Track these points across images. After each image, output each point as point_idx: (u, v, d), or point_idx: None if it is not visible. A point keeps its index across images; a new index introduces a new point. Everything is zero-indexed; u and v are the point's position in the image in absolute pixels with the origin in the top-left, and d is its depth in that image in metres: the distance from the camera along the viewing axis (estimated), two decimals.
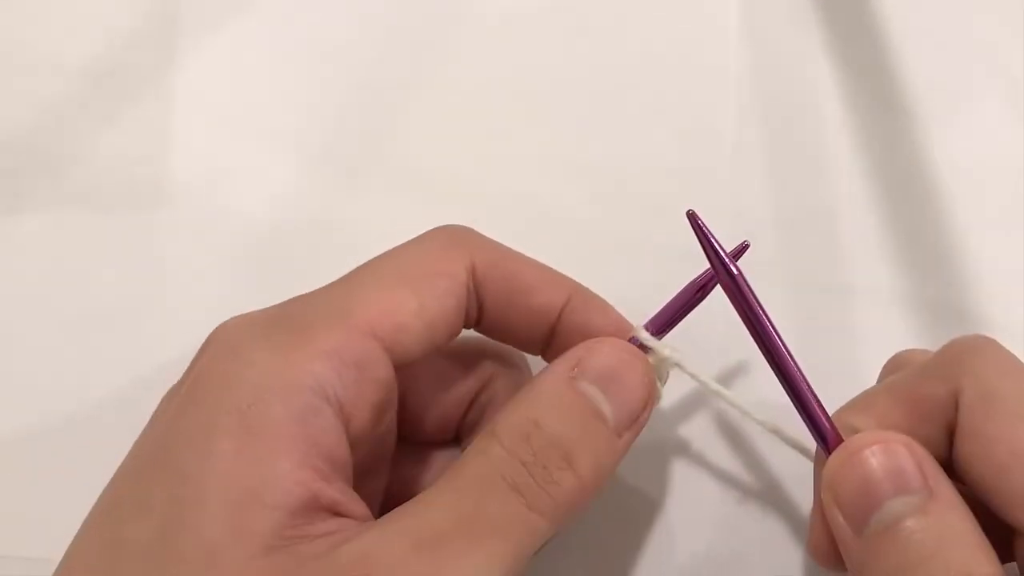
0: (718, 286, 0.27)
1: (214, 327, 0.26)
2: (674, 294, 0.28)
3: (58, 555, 0.24)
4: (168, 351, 0.33)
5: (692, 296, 0.28)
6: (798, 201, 0.35)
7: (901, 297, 0.34)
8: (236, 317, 0.26)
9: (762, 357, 0.27)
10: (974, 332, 0.27)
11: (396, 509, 0.23)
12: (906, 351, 0.30)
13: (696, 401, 0.33)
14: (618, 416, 0.25)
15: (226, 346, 0.24)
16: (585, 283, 0.29)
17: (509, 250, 0.28)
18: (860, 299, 0.34)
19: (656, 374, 0.28)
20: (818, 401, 0.26)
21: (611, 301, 0.29)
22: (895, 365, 0.30)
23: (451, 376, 0.29)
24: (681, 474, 0.33)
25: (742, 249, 0.28)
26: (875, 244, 0.34)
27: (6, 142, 0.35)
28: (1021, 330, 0.33)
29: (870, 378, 0.30)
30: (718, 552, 0.32)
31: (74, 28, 0.36)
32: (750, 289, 0.26)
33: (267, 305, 0.28)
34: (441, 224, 0.28)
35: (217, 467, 0.22)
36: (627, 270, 0.34)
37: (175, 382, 0.26)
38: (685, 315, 0.28)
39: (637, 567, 0.32)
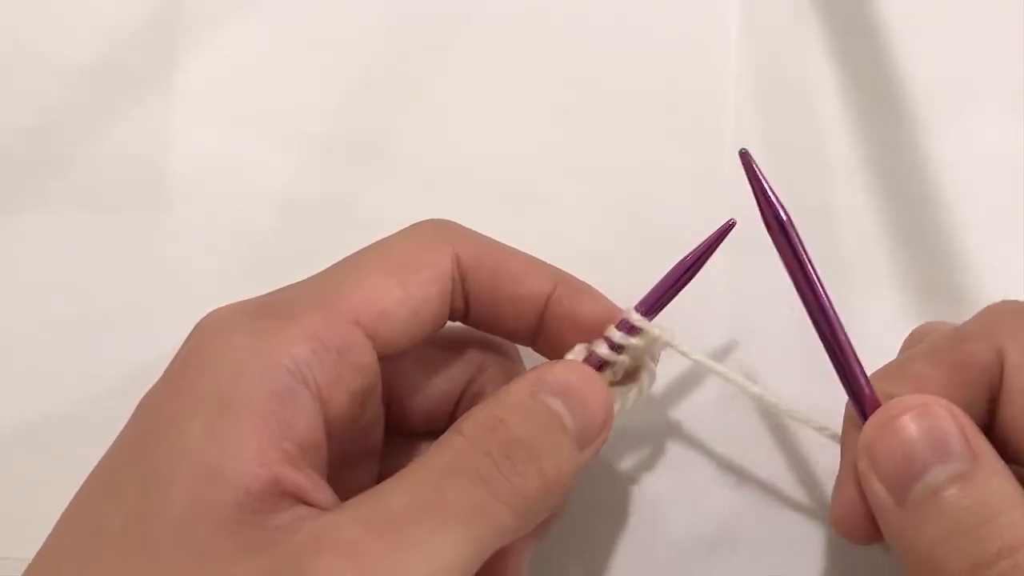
0: (704, 267, 0.28)
1: None
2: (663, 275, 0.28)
3: None
4: (168, 351, 0.33)
5: (681, 276, 0.28)
6: (798, 201, 0.35)
7: (901, 295, 0.34)
8: (222, 307, 0.26)
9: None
10: None
11: (356, 497, 0.23)
12: (929, 323, 0.29)
13: (690, 384, 0.33)
14: (579, 430, 0.25)
15: (208, 333, 0.25)
16: (585, 281, 0.29)
17: (494, 241, 0.28)
18: (859, 297, 0.34)
19: (649, 355, 0.28)
20: (858, 360, 0.25)
21: (611, 300, 0.29)
22: (917, 337, 0.29)
23: (440, 367, 0.29)
24: (675, 456, 0.33)
25: (728, 228, 0.28)
26: (875, 243, 0.34)
27: (6, 142, 0.35)
28: None
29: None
30: (713, 534, 0.32)
31: (74, 28, 0.36)
32: (798, 237, 0.26)
33: None
34: (439, 214, 0.28)
35: (187, 447, 0.22)
36: (627, 269, 0.34)
37: None
38: (675, 295, 0.28)
39: (630, 549, 0.32)
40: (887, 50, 0.36)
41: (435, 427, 0.30)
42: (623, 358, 0.27)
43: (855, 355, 0.25)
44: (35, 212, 0.35)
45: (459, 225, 0.28)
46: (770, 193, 0.26)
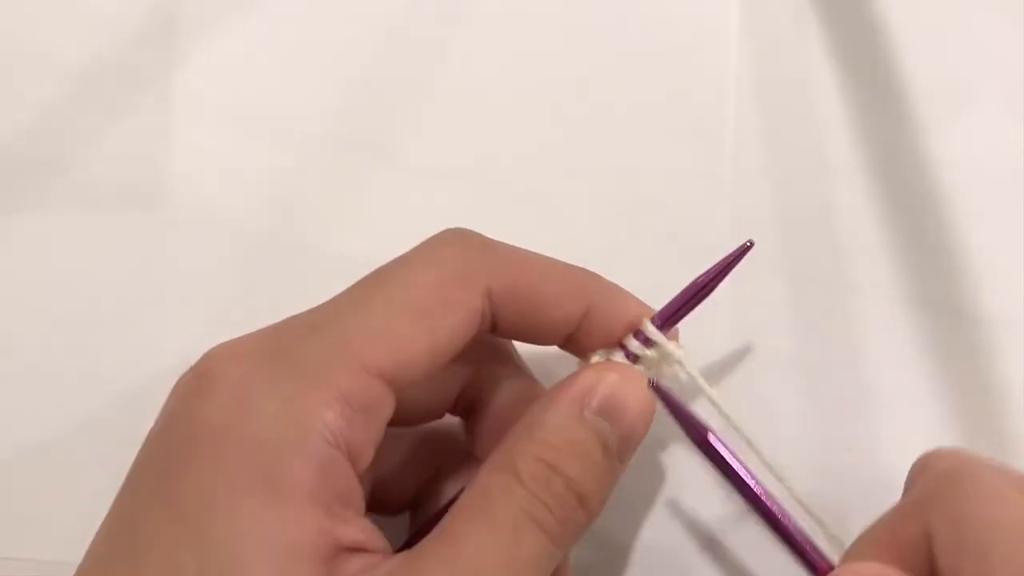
0: (723, 283, 0.28)
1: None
2: (679, 291, 0.28)
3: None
4: (168, 351, 0.33)
5: (696, 293, 0.28)
6: (798, 201, 0.35)
7: (901, 295, 0.34)
8: (227, 347, 0.25)
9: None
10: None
11: (424, 547, 0.23)
12: (929, 453, 0.28)
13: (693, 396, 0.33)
14: (621, 446, 0.26)
15: (230, 392, 0.24)
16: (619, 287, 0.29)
17: (525, 259, 0.28)
18: (860, 298, 0.34)
19: (658, 371, 0.28)
20: (804, 536, 0.27)
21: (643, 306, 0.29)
22: (918, 470, 0.28)
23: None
24: (670, 465, 0.33)
25: (745, 249, 0.28)
26: (875, 243, 0.34)
27: (6, 142, 0.35)
28: (1021, 329, 0.33)
29: (870, 376, 0.30)
30: (710, 539, 0.32)
31: (74, 28, 0.36)
32: (727, 449, 0.28)
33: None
34: (440, 222, 0.28)
35: (251, 530, 0.22)
36: (626, 270, 0.34)
37: (175, 383, 0.25)
38: (689, 311, 0.28)
39: (631, 546, 0.32)
40: (887, 50, 0.36)
41: (433, 417, 0.30)
42: (639, 368, 0.28)
43: (800, 531, 0.27)
44: (35, 212, 0.35)
45: (486, 244, 0.27)
46: (690, 417, 0.28)
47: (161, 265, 0.35)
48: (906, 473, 0.28)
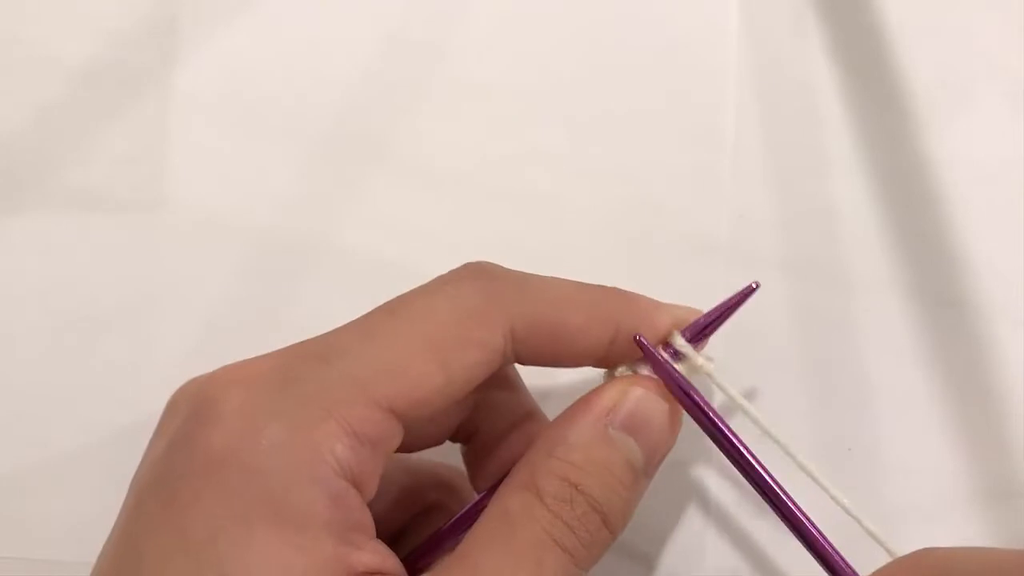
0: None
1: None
2: (714, 305, 0.28)
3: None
4: (168, 351, 0.33)
5: (728, 309, 0.27)
6: (798, 201, 0.35)
7: (901, 295, 0.34)
8: (232, 372, 0.24)
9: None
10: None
11: (446, 566, 0.23)
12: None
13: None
14: (647, 462, 0.26)
15: (236, 419, 0.23)
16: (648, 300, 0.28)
17: (549, 292, 0.27)
18: (860, 298, 0.34)
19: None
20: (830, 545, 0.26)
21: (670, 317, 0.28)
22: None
23: None
24: (681, 474, 0.33)
25: (750, 291, 0.28)
26: (875, 243, 0.34)
27: (5, 142, 0.35)
28: (1021, 329, 0.33)
29: (870, 376, 0.30)
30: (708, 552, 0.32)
31: (74, 28, 0.36)
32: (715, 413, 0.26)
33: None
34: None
35: (259, 562, 0.22)
36: (626, 270, 0.34)
37: (177, 387, 0.25)
38: (719, 326, 0.28)
39: (619, 559, 0.32)
40: (887, 50, 0.36)
41: (435, 443, 0.29)
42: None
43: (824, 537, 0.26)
44: (35, 212, 0.35)
45: (509, 278, 0.26)
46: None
47: (161, 265, 0.35)
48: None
